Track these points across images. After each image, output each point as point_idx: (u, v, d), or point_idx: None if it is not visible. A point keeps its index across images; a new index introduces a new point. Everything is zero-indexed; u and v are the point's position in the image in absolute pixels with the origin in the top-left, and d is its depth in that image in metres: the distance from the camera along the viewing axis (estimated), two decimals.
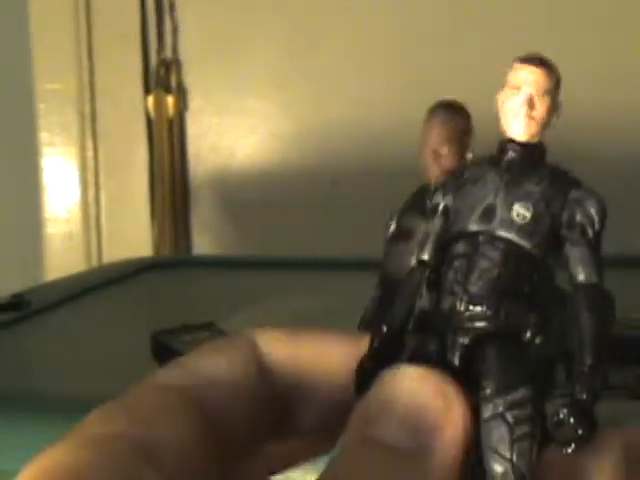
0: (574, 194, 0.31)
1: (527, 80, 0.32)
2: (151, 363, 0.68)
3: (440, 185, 0.33)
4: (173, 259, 1.34)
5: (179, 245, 1.55)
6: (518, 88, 0.32)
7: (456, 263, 0.31)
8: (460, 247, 0.32)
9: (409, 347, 0.32)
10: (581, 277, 0.31)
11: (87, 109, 1.56)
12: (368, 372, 0.31)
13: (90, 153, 1.57)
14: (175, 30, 1.55)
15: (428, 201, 0.33)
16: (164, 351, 0.68)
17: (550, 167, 0.32)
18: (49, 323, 0.90)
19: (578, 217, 0.31)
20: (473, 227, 0.31)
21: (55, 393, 0.62)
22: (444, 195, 0.33)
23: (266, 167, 1.52)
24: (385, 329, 0.32)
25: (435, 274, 0.32)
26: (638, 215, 1.43)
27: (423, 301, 0.32)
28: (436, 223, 0.32)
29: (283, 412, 0.33)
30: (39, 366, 0.77)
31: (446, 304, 0.31)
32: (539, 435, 0.30)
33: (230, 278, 1.09)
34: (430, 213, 0.33)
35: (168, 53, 1.55)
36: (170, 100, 1.54)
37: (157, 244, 1.55)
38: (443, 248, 0.32)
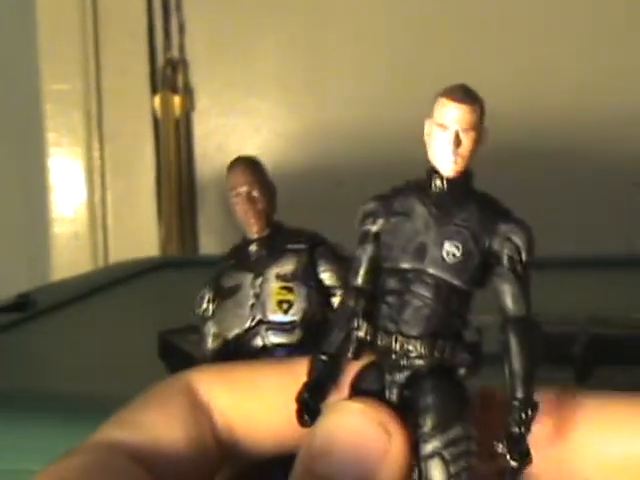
0: (502, 227, 0.32)
1: (453, 117, 0.32)
2: (158, 363, 0.68)
3: (369, 211, 0.33)
4: (180, 259, 1.35)
5: (186, 245, 1.55)
6: (444, 126, 0.32)
7: (389, 299, 0.32)
8: (392, 283, 0.32)
9: (349, 379, 0.32)
10: (511, 311, 0.32)
11: (94, 109, 1.56)
12: (309, 404, 0.32)
13: (97, 153, 1.57)
14: (182, 30, 1.55)
15: (357, 226, 0.34)
16: (171, 351, 0.68)
17: (478, 197, 0.32)
18: (55, 323, 0.90)
19: (506, 251, 0.32)
20: (405, 264, 0.32)
21: (62, 393, 0.62)
22: (374, 221, 0.33)
23: (272, 167, 1.51)
24: (322, 357, 0.33)
25: (369, 301, 0.33)
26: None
27: (359, 330, 0.32)
28: (367, 249, 0.33)
29: (228, 447, 0.34)
30: (46, 366, 0.77)
31: (381, 341, 0.31)
32: (475, 467, 0.31)
33: None
34: (361, 239, 0.33)
35: (175, 53, 1.55)
36: (177, 100, 1.54)
37: (164, 244, 1.55)
38: (376, 273, 0.33)
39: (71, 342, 0.84)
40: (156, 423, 0.33)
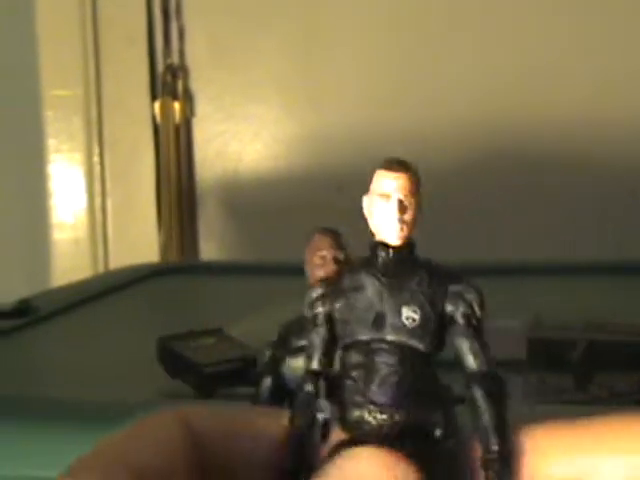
0: (453, 288, 0.32)
1: (394, 186, 0.33)
2: (158, 369, 0.68)
3: (318, 295, 0.34)
4: (180, 265, 1.35)
5: (186, 251, 1.55)
6: (387, 196, 0.32)
7: (353, 373, 0.32)
8: (354, 357, 0.32)
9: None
10: (473, 367, 0.32)
11: (94, 116, 1.57)
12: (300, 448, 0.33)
13: (97, 159, 1.57)
14: (181, 37, 1.55)
15: (306, 313, 0.34)
16: (171, 357, 0.68)
17: (424, 263, 0.33)
18: (55, 329, 0.90)
19: (461, 309, 0.32)
20: (364, 336, 0.32)
21: (62, 399, 0.62)
22: (323, 303, 0.33)
23: (272, 173, 1.52)
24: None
25: (329, 381, 0.33)
26: (638, 222, 1.43)
27: (324, 411, 0.33)
28: (320, 331, 0.33)
29: None
30: (45, 372, 0.77)
31: (352, 416, 0.32)
32: None
33: (237, 284, 1.10)
34: (312, 323, 0.34)
35: (175, 59, 1.55)
36: (177, 106, 1.54)
37: (164, 250, 1.55)
38: (331, 355, 0.33)
39: (71, 347, 0.84)
40: (151, 456, 0.33)
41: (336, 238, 0.46)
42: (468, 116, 1.45)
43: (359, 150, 1.49)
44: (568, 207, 1.44)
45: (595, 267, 1.08)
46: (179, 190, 1.54)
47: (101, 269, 1.57)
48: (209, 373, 0.64)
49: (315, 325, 0.33)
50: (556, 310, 0.80)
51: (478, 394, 0.32)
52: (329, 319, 0.33)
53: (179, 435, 0.33)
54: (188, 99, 1.55)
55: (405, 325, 0.32)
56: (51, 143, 1.57)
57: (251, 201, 1.53)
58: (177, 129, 1.54)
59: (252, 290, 1.05)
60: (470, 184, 1.44)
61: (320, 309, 0.33)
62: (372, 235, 0.33)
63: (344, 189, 1.48)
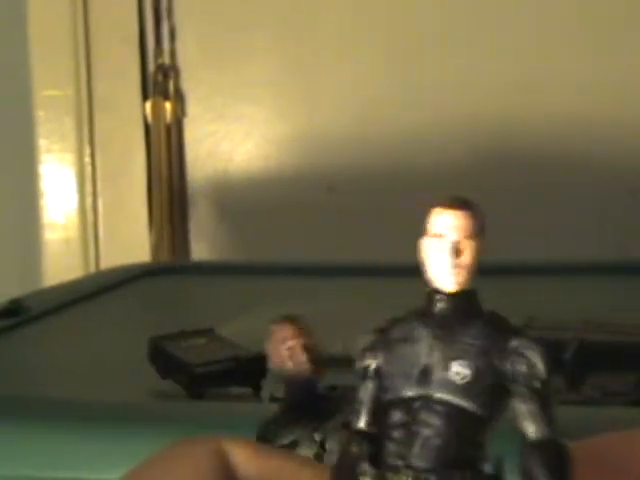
0: (514, 343, 0.29)
1: (449, 225, 0.29)
2: (149, 369, 0.68)
3: (368, 345, 0.31)
4: (171, 265, 1.34)
5: (177, 251, 1.55)
6: (440, 235, 0.29)
7: (394, 434, 0.30)
8: (397, 415, 0.30)
9: None
10: (533, 434, 0.29)
11: (85, 116, 1.56)
12: None
13: (88, 159, 1.57)
14: (173, 37, 1.55)
15: (355, 363, 0.31)
16: (162, 357, 0.68)
17: (485, 314, 0.30)
18: (47, 329, 0.90)
19: (522, 369, 0.29)
20: (409, 392, 0.29)
21: (53, 399, 0.62)
22: (374, 356, 0.30)
23: (263, 173, 1.52)
24: None
25: (373, 443, 0.30)
26: (638, 222, 1.43)
27: (365, 476, 0.30)
28: (369, 387, 0.30)
29: None
30: (37, 372, 0.77)
31: None
32: None
33: (228, 284, 1.09)
34: (360, 376, 0.31)
35: (166, 59, 1.55)
36: (168, 106, 1.54)
37: (155, 250, 1.55)
38: (378, 412, 0.30)
39: (62, 348, 0.84)
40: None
41: (298, 324, 0.42)
42: (464, 116, 1.45)
43: (350, 150, 1.49)
44: (568, 207, 1.44)
45: (595, 267, 1.08)
46: (170, 190, 1.54)
47: (92, 269, 1.56)
48: (200, 373, 0.64)
49: (363, 379, 0.30)
50: (555, 310, 0.80)
51: (534, 467, 0.28)
52: (377, 373, 0.30)
53: (214, 471, 0.32)
54: (179, 99, 1.55)
55: (454, 381, 0.29)
56: (42, 143, 1.57)
57: (242, 201, 1.53)
58: (168, 129, 1.54)
59: (243, 290, 1.05)
60: (470, 184, 1.44)
61: (368, 361, 0.30)
62: (428, 284, 0.30)
63: (335, 189, 1.48)
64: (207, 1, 1.55)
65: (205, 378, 0.64)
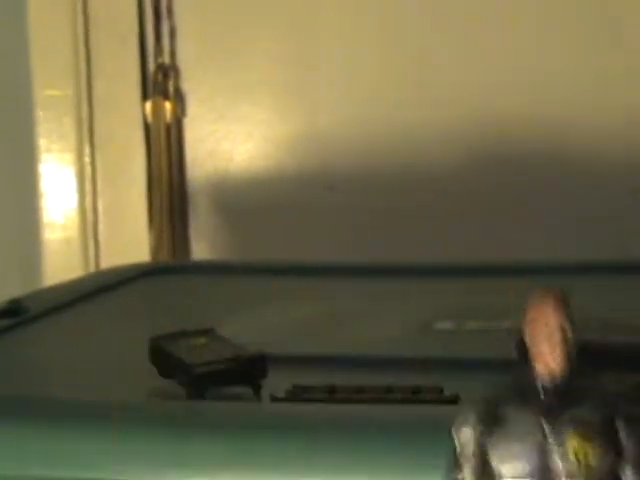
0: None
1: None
2: (150, 369, 0.68)
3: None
4: (171, 265, 1.34)
5: (177, 251, 1.55)
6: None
7: None
8: None
9: None
10: None
11: (85, 115, 1.56)
12: None
13: (88, 159, 1.57)
14: (173, 36, 1.55)
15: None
16: (162, 357, 0.68)
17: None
18: (46, 329, 0.90)
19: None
20: None
21: (53, 399, 0.62)
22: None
23: (263, 173, 1.52)
24: None
25: None
26: (638, 222, 1.43)
27: None
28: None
29: None
30: (36, 372, 0.77)
31: None
32: None
33: (228, 284, 1.09)
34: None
35: (166, 59, 1.55)
36: (168, 106, 1.54)
37: (155, 250, 1.55)
38: None
39: (62, 347, 0.84)
40: None
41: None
42: (465, 116, 1.45)
43: (350, 150, 1.49)
44: (568, 207, 1.44)
45: (595, 267, 1.08)
46: (170, 190, 1.54)
47: (92, 269, 1.56)
48: (201, 373, 0.64)
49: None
50: None
51: None
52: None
53: None
54: (179, 99, 1.55)
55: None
56: (42, 143, 1.57)
57: (242, 201, 1.53)
58: (168, 129, 1.54)
59: (244, 290, 1.05)
60: (469, 184, 1.44)
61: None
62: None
63: (335, 188, 1.48)
64: (207, 1, 1.55)
65: (205, 378, 0.64)
